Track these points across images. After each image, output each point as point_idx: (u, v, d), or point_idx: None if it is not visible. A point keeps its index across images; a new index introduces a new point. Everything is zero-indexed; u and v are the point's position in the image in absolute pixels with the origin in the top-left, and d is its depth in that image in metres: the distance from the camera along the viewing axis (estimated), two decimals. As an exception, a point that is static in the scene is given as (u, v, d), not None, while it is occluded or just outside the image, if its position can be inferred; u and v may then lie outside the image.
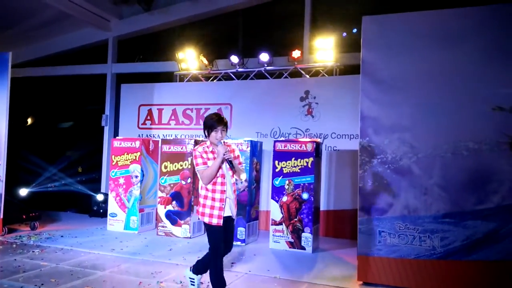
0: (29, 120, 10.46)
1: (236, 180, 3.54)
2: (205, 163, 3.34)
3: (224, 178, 3.37)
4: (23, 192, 7.99)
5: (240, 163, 3.58)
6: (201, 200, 3.43)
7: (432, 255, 4.03)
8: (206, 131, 3.42)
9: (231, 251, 3.63)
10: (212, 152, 3.39)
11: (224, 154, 3.28)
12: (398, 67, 4.26)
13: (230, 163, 3.35)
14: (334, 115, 6.98)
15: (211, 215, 3.35)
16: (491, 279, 3.85)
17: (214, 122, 3.37)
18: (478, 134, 3.93)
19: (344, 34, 7.49)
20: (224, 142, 3.43)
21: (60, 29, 9.10)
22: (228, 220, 3.44)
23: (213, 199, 3.35)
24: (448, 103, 4.05)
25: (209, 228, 3.40)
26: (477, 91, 3.97)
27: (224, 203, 3.36)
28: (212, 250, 3.41)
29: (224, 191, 3.36)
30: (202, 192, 3.44)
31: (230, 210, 3.43)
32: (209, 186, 3.37)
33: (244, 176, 3.60)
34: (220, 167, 3.34)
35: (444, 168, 4.02)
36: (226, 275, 4.44)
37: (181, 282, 4.19)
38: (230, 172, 3.43)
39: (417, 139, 4.14)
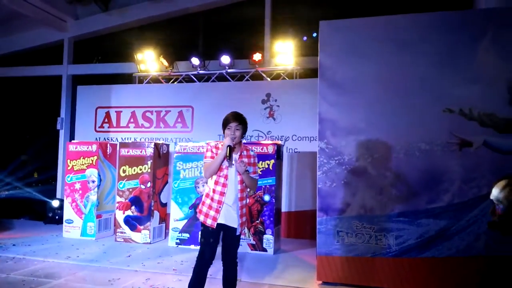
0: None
1: (244, 187, 3.27)
2: (212, 157, 3.18)
3: (226, 180, 3.18)
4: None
5: (254, 172, 3.30)
6: (203, 197, 3.30)
7: (388, 253, 4.15)
8: (223, 130, 3.25)
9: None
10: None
11: (227, 146, 3.08)
12: (353, 70, 4.38)
13: (230, 156, 3.12)
14: (295, 118, 7.07)
15: (206, 215, 3.19)
16: (443, 275, 4.02)
17: (228, 118, 3.22)
18: (429, 135, 4.10)
19: (305, 38, 7.62)
20: (244, 145, 3.30)
21: (13, 29, 8.74)
22: (229, 230, 3.20)
23: (212, 199, 3.19)
24: (400, 106, 4.20)
25: (202, 227, 3.24)
26: (428, 94, 4.14)
27: (221, 206, 3.16)
28: (199, 252, 3.22)
29: (223, 193, 3.16)
30: (205, 189, 3.31)
31: (223, 217, 3.17)
32: (211, 185, 3.21)
33: (253, 188, 3.37)
34: (224, 161, 3.13)
35: (398, 168, 4.16)
36: (185, 280, 4.40)
37: (139, 288, 4.10)
38: (239, 178, 3.20)
39: (372, 140, 4.26)
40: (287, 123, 7.12)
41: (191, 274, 4.50)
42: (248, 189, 3.37)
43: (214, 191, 3.20)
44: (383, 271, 4.15)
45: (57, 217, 7.71)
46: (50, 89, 8.93)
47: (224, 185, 3.18)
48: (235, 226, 3.20)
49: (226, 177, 3.19)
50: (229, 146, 3.12)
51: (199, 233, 3.32)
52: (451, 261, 4.00)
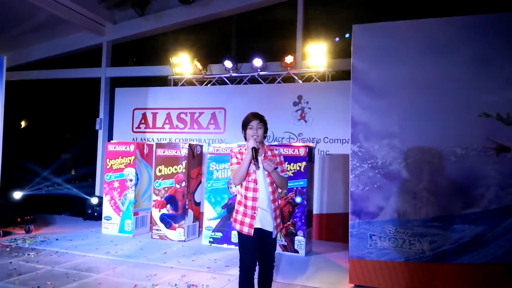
0: (23, 123, 10.46)
1: (275, 188, 3.22)
2: (238, 163, 3.14)
3: (256, 184, 3.12)
4: (18, 195, 8.01)
5: (283, 171, 3.25)
6: (236, 205, 3.25)
7: (422, 258, 4.13)
8: (243, 132, 3.22)
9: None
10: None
11: (252, 148, 3.04)
12: (386, 74, 4.38)
13: (256, 158, 3.07)
14: (326, 120, 7.09)
15: (242, 223, 3.14)
16: (478, 282, 3.97)
17: (248, 118, 3.19)
18: (465, 140, 4.05)
19: (337, 39, 7.63)
20: (266, 145, 3.26)
21: (55, 33, 9.17)
22: (265, 234, 3.15)
23: (245, 206, 3.14)
24: (435, 110, 4.17)
25: (239, 236, 3.20)
26: (464, 98, 4.10)
27: (255, 212, 3.11)
28: (240, 261, 3.18)
29: (256, 198, 3.11)
30: (237, 197, 3.26)
31: (259, 221, 3.12)
32: (242, 191, 3.17)
33: (284, 186, 3.31)
34: (250, 166, 3.10)
35: (432, 173, 4.14)
36: (220, 277, 4.55)
37: (175, 285, 4.25)
38: (268, 180, 3.15)
39: (406, 144, 4.25)
40: (319, 125, 7.15)
41: (224, 272, 4.69)
42: (280, 190, 3.31)
43: (246, 197, 3.16)
44: (416, 276, 4.13)
45: (95, 213, 8.06)
46: (90, 91, 9.31)
47: (255, 190, 3.13)
48: (271, 229, 3.16)
49: (255, 181, 3.14)
50: (253, 148, 3.08)
51: (236, 236, 3.28)
52: (488, 268, 3.94)
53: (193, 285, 4.27)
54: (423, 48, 4.27)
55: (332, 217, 6.90)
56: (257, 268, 3.27)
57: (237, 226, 3.19)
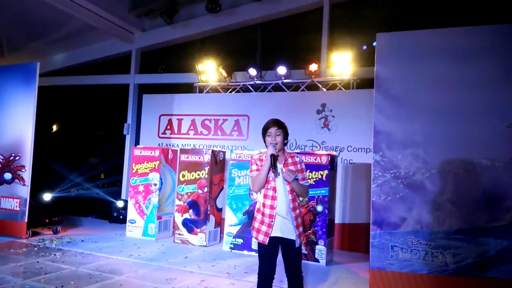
0: (54, 127, 10.85)
1: (296, 196, 3.16)
2: (257, 170, 3.12)
3: (275, 192, 3.09)
4: (47, 197, 8.28)
5: (304, 179, 3.21)
6: (255, 213, 3.24)
7: (445, 271, 4.04)
8: (263, 138, 3.22)
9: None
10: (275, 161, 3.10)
11: (271, 156, 3.02)
12: (409, 83, 4.34)
13: (274, 165, 3.03)
14: (350, 128, 7.03)
15: (258, 230, 3.13)
16: (504, 298, 3.84)
17: (267, 124, 3.19)
18: (491, 151, 3.96)
19: (364, 47, 7.59)
20: (287, 152, 3.22)
21: (86, 40, 9.48)
22: (287, 243, 3.11)
23: (263, 214, 3.12)
24: (461, 119, 4.10)
25: (258, 244, 3.18)
26: (491, 108, 4.01)
27: (273, 220, 3.07)
28: (258, 269, 3.16)
29: (274, 206, 3.07)
30: (256, 204, 3.25)
31: (279, 229, 3.07)
32: (261, 199, 3.16)
33: (304, 195, 3.25)
34: (270, 173, 3.08)
35: (457, 184, 4.05)
36: (239, 284, 4.56)
37: (195, 289, 4.30)
38: (288, 187, 3.10)
39: (430, 155, 4.19)
40: (342, 133, 7.10)
41: (244, 279, 4.70)
42: (301, 198, 3.28)
43: (264, 205, 3.12)
44: (438, 290, 4.04)
45: (121, 216, 8.24)
46: (119, 97, 9.57)
47: (273, 198, 3.09)
48: (293, 238, 3.09)
49: (274, 189, 3.10)
50: (272, 155, 3.05)
51: (256, 243, 3.24)
52: (514, 284, 3.81)
53: (212, 290, 4.31)
54: (447, 56, 4.22)
55: (354, 227, 6.82)
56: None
57: (254, 234, 3.19)
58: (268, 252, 3.12)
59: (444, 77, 4.21)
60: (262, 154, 3.22)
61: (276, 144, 3.11)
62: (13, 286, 4.09)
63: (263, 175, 3.08)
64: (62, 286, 4.15)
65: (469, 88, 4.11)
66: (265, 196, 3.13)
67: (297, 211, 3.17)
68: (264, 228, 3.11)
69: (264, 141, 3.23)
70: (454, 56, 4.20)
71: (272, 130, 3.15)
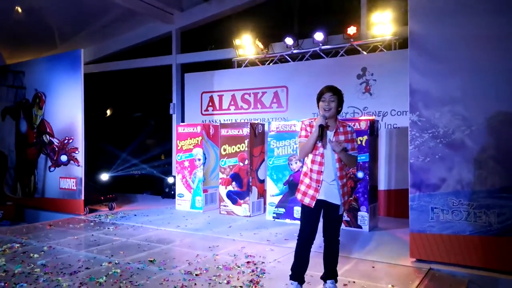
0: (108, 112, 11.46)
1: (342, 164, 3.13)
2: (306, 136, 3.13)
3: (323, 158, 3.09)
4: (104, 177, 8.83)
5: (353, 149, 3.16)
6: (301, 176, 3.26)
7: (489, 232, 3.84)
8: (317, 104, 3.17)
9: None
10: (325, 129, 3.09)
11: (319, 126, 2.98)
12: (446, 36, 4.05)
13: (321, 137, 3.01)
14: (393, 92, 6.75)
15: (304, 193, 3.17)
16: (556, 257, 3.59)
17: (322, 90, 3.13)
18: (537, 102, 3.63)
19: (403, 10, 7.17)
20: (340, 121, 3.18)
21: (128, 26, 9.78)
22: (330, 207, 3.14)
23: (311, 178, 3.14)
24: (502, 71, 3.78)
25: (301, 206, 3.23)
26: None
27: (320, 185, 3.09)
28: (299, 231, 3.22)
29: (321, 172, 3.09)
30: (303, 169, 3.26)
31: (324, 194, 3.10)
32: (309, 164, 3.16)
33: (352, 165, 3.26)
34: (317, 141, 3.06)
35: (500, 140, 3.78)
36: (278, 249, 4.65)
37: (235, 255, 4.44)
38: (336, 155, 3.08)
39: (470, 110, 3.93)
40: (385, 97, 6.84)
41: (283, 245, 4.78)
42: (348, 167, 3.27)
43: (311, 170, 3.14)
44: (482, 251, 3.85)
45: (172, 192, 8.63)
46: (163, 77, 9.86)
47: (321, 164, 3.10)
48: (338, 203, 3.12)
49: (322, 155, 3.10)
50: (321, 125, 3.00)
51: (299, 212, 3.29)
52: None
53: (250, 255, 4.43)
54: (485, 5, 3.87)
55: (400, 192, 6.61)
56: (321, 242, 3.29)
57: (299, 196, 3.22)
58: (311, 214, 3.16)
59: (481, 28, 3.87)
60: (313, 120, 3.18)
61: (330, 109, 3.08)
62: (69, 256, 4.46)
63: (310, 143, 3.08)
64: (112, 256, 4.47)
65: (508, 37, 3.76)
66: (312, 162, 3.15)
67: (344, 180, 3.17)
68: (311, 192, 3.14)
69: (318, 107, 3.18)
70: (491, 4, 3.84)
71: (327, 95, 3.10)
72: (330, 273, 3.31)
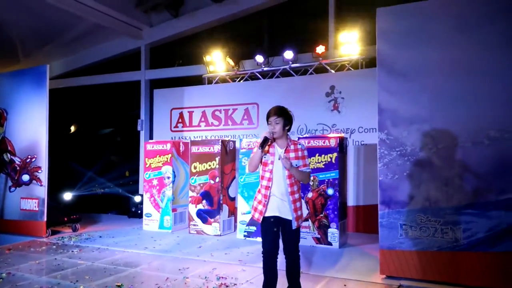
0: (72, 128, 11.11)
1: (293, 180, 3.24)
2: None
3: (271, 174, 3.21)
4: (67, 196, 8.48)
5: (305, 165, 3.28)
6: (256, 193, 3.39)
7: (455, 247, 3.93)
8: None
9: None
10: (270, 145, 3.25)
11: (265, 137, 3.14)
12: (413, 57, 4.19)
13: (262, 146, 3.15)
14: (360, 109, 6.89)
15: (255, 209, 3.32)
16: (519, 272, 3.71)
17: (268, 113, 3.28)
18: (499, 122, 3.80)
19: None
20: (291, 139, 3.28)
21: (96, 40, 9.61)
22: (285, 223, 3.24)
23: (261, 193, 3.29)
24: (466, 92, 3.94)
25: (260, 223, 3.33)
26: (497, 78, 3.83)
27: (267, 200, 3.22)
28: (262, 247, 3.30)
29: (269, 187, 3.22)
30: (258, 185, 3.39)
31: (277, 210, 3.21)
32: (259, 180, 3.31)
33: (305, 180, 3.33)
34: (268, 156, 3.21)
35: (465, 158, 3.91)
36: (250, 270, 4.58)
37: (206, 277, 4.34)
38: (287, 172, 3.19)
39: (436, 129, 4.06)
40: (353, 115, 6.98)
41: (255, 265, 4.72)
42: (301, 182, 3.36)
43: (261, 185, 3.28)
44: (451, 266, 3.94)
45: (139, 211, 8.38)
46: (131, 93, 9.68)
47: (269, 179, 3.23)
48: (290, 218, 3.22)
49: (271, 171, 3.23)
50: (265, 137, 3.17)
51: None
52: (529, 257, 3.67)
53: (222, 277, 4.34)
54: (451, 27, 4.05)
55: (369, 208, 6.71)
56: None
57: (251, 211, 3.40)
58: (268, 230, 3.26)
59: (447, 49, 4.04)
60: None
61: (275, 132, 3.21)
62: (30, 283, 4.22)
63: (255, 157, 3.25)
64: (77, 281, 4.26)
65: (473, 59, 3.93)
66: (262, 177, 3.30)
67: (296, 195, 3.28)
68: (260, 207, 3.28)
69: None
70: (457, 26, 4.01)
71: (272, 119, 3.24)
72: (293, 286, 3.40)
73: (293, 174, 3.21)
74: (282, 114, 3.25)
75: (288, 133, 3.34)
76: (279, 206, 3.23)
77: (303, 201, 3.86)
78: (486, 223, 3.79)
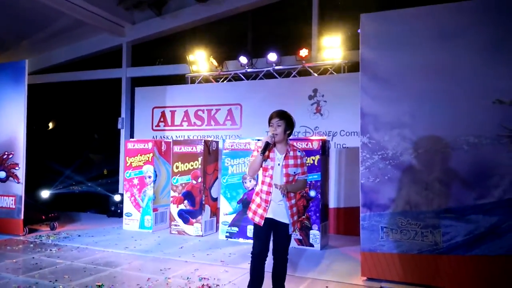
0: (51, 124, 10.85)
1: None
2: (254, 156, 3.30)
3: (271, 179, 3.24)
4: (45, 194, 8.30)
5: (303, 173, 3.33)
6: (253, 196, 3.42)
7: (435, 250, 4.03)
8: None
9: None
10: (270, 150, 3.27)
11: (266, 142, 3.16)
12: (396, 63, 4.29)
13: (263, 152, 3.17)
14: (342, 113, 6.99)
15: (254, 212, 3.33)
16: (494, 274, 3.83)
17: (271, 115, 3.29)
18: (478, 128, 3.91)
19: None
20: (291, 145, 3.31)
21: (76, 36, 9.41)
22: (279, 226, 3.27)
23: (261, 198, 3.30)
24: (446, 98, 4.05)
25: (253, 224, 3.37)
26: (476, 85, 3.96)
27: (268, 205, 3.25)
28: (252, 248, 3.35)
29: (270, 192, 3.25)
30: (256, 188, 3.42)
31: (272, 212, 3.25)
32: (259, 184, 3.33)
33: (301, 189, 3.45)
34: (268, 162, 3.24)
35: (445, 163, 4.02)
36: (233, 271, 4.59)
37: (188, 278, 4.32)
38: (285, 178, 3.24)
39: (417, 134, 4.16)
40: (335, 118, 7.07)
41: (237, 266, 4.73)
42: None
43: (261, 190, 3.30)
44: (429, 269, 4.04)
45: (118, 210, 8.27)
46: (112, 91, 9.53)
47: (269, 185, 3.26)
48: (286, 222, 3.26)
49: (271, 177, 3.25)
50: (267, 142, 3.18)
51: (252, 231, 3.48)
52: (504, 259, 3.80)
53: (205, 278, 4.33)
54: (432, 35, 4.16)
55: (349, 210, 6.81)
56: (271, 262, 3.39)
57: (250, 215, 3.39)
58: (261, 232, 3.30)
59: (430, 56, 4.15)
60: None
61: (277, 134, 3.22)
62: (8, 282, 4.11)
63: (255, 163, 3.25)
64: (56, 280, 4.18)
65: (454, 65, 4.05)
66: (262, 182, 3.32)
67: (292, 201, 3.33)
68: (260, 211, 3.30)
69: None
70: (439, 34, 4.12)
71: (274, 121, 3.25)
72: None
73: (291, 190, 3.26)
74: (284, 118, 3.28)
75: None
76: (275, 209, 3.26)
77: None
78: (464, 227, 3.91)
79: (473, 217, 3.90)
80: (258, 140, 3.39)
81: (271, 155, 3.27)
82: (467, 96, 3.99)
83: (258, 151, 3.24)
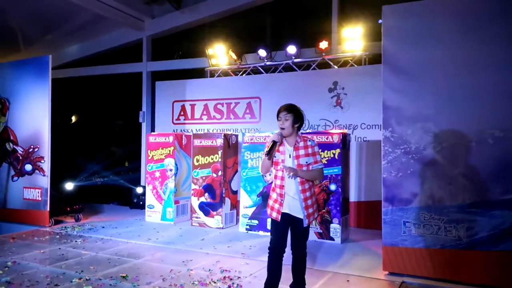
0: (73, 118, 11.08)
1: (303, 179, 3.26)
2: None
3: (283, 173, 3.25)
4: (69, 186, 8.50)
5: (316, 162, 3.27)
6: (270, 191, 3.44)
7: (458, 245, 3.98)
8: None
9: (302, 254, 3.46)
10: (280, 144, 3.29)
11: (273, 141, 3.19)
12: (419, 55, 4.21)
13: (269, 151, 3.20)
14: (363, 106, 6.91)
15: (272, 208, 3.35)
16: (520, 270, 3.77)
17: (279, 109, 3.31)
18: (504, 122, 3.83)
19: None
20: (301, 136, 3.30)
21: (97, 31, 9.55)
22: (295, 220, 3.29)
23: (276, 193, 3.33)
24: (471, 91, 3.96)
25: (271, 220, 3.40)
26: (502, 78, 3.86)
27: (283, 199, 3.27)
28: (269, 243, 3.36)
29: (283, 186, 3.26)
30: (272, 184, 3.42)
31: (288, 207, 3.25)
32: (273, 179, 3.35)
33: (317, 179, 3.37)
34: (279, 155, 3.26)
35: (469, 157, 3.95)
36: (253, 263, 4.64)
37: (210, 270, 4.39)
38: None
39: (441, 128, 4.09)
40: (355, 111, 7.00)
41: (258, 259, 4.77)
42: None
43: (275, 185, 3.33)
44: (453, 264, 3.99)
45: (141, 202, 8.42)
46: (134, 85, 9.66)
47: (282, 178, 3.27)
48: (301, 216, 3.27)
49: (283, 170, 3.25)
50: (274, 141, 3.22)
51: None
52: (530, 256, 3.73)
53: (226, 270, 4.39)
54: (456, 27, 4.06)
55: (370, 204, 6.77)
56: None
57: (268, 211, 3.42)
58: (278, 227, 3.31)
59: (453, 48, 4.06)
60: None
61: (284, 129, 3.24)
62: (36, 272, 4.26)
63: (265, 161, 3.30)
64: (82, 271, 4.30)
65: (479, 58, 3.95)
66: (275, 177, 3.34)
67: (307, 193, 3.30)
68: (276, 206, 3.31)
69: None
70: (464, 25, 4.02)
71: (282, 114, 3.27)
72: (298, 282, 3.50)
73: (303, 176, 3.23)
74: (292, 111, 3.27)
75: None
76: (290, 204, 3.27)
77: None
78: (489, 222, 3.84)
79: (498, 212, 3.83)
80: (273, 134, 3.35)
81: (281, 148, 3.28)
82: (492, 90, 3.90)
83: (268, 146, 3.24)
